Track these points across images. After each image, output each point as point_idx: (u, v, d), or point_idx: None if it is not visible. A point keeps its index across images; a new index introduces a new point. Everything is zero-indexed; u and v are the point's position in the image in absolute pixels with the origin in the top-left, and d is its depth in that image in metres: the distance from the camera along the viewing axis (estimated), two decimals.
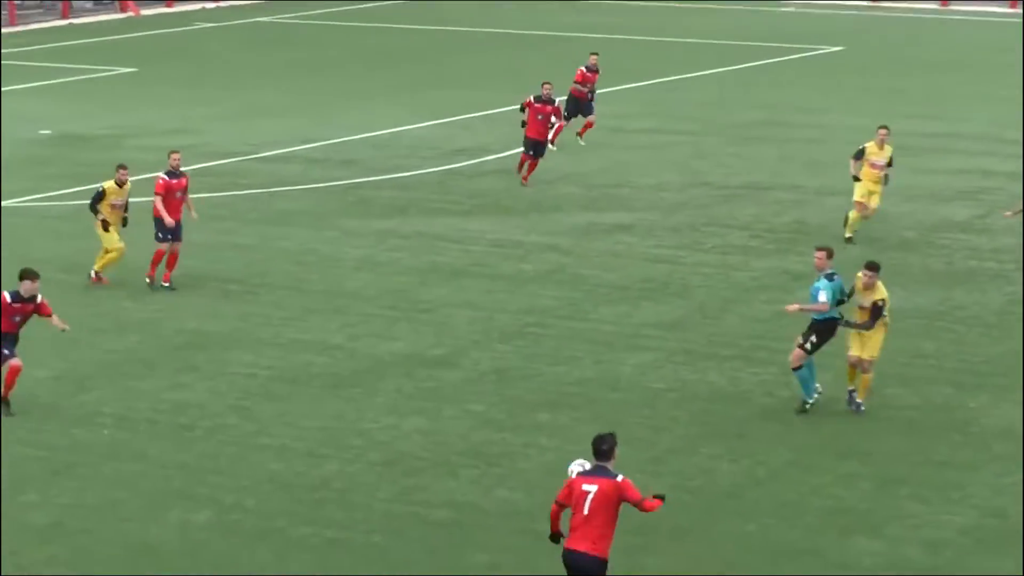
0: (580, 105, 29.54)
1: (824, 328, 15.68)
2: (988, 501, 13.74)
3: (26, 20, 43.49)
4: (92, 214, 19.72)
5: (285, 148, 28.64)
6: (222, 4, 48.30)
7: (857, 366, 15.01)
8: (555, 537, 10.46)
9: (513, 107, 27.35)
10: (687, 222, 23.94)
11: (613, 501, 10.19)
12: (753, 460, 14.65)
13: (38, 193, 25.02)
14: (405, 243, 22.55)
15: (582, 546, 10.25)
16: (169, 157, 19.92)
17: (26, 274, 14.98)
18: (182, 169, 20.06)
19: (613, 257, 22.11)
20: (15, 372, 15.25)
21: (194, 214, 19.91)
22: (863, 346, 14.91)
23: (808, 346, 15.40)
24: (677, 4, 50.95)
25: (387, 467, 14.60)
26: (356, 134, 30.36)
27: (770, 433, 15.51)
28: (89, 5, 45.82)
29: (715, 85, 36.27)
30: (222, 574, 12.35)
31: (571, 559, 10.31)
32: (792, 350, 15.06)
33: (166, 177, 19.60)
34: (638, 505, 10.24)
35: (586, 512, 10.21)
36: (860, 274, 15.30)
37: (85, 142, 28.93)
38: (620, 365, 17.72)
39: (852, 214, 22.75)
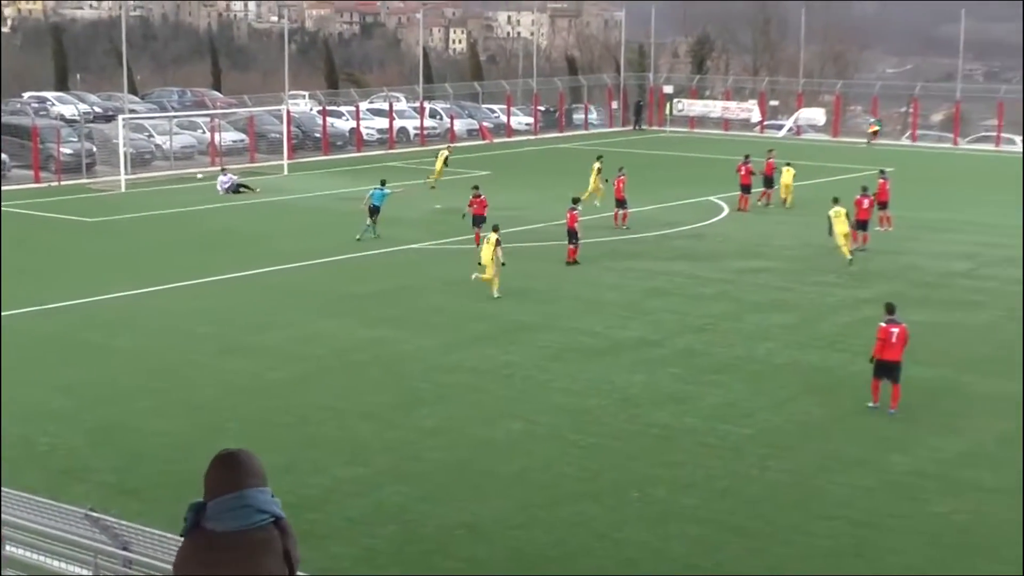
0: (767, 180, 43.49)
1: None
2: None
3: (431, 144, 64.68)
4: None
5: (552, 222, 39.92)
6: (539, 136, 72.15)
7: None
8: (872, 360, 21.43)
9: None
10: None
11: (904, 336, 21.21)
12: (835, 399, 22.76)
13: (431, 241, 37.92)
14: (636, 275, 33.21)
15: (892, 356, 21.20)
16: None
17: None
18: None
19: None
20: None
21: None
22: None
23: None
24: None
25: (623, 401, 22.26)
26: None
27: (842, 380, 22.85)
28: (466, 134, 67.81)
29: None
30: (528, 458, 19.54)
31: (886, 363, 21.20)
32: None
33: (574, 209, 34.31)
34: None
35: (893, 341, 21.14)
36: None
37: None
38: (755, 350, 25.94)
39: None
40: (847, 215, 35.04)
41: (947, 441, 20.32)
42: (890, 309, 22.13)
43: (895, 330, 21.55)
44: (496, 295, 30.17)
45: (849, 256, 34.56)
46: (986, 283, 32.56)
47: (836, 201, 35.56)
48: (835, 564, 15.70)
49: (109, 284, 31.57)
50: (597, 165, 44.72)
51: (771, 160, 45.15)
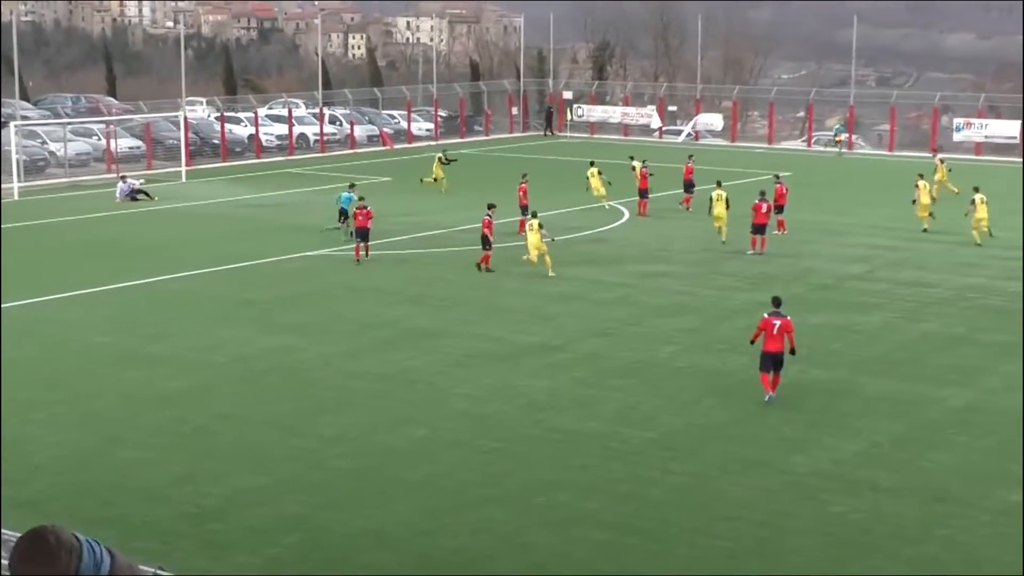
0: (687, 185, 43.98)
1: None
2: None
3: (331, 150, 65.06)
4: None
5: (470, 224, 40.64)
6: (440, 142, 69.24)
7: None
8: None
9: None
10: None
11: (786, 328, 21.79)
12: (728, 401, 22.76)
13: (331, 247, 37.53)
14: (538, 280, 33.18)
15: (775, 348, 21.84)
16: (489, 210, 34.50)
17: None
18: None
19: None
20: None
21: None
22: None
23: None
24: None
25: (526, 406, 22.35)
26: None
27: (742, 382, 23.00)
28: (366, 140, 67.75)
29: None
30: (432, 464, 19.71)
31: (770, 355, 21.85)
32: None
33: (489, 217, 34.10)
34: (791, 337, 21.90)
35: (775, 333, 21.75)
36: None
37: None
38: (657, 354, 26.25)
39: None
40: (727, 201, 37.41)
41: (844, 442, 20.60)
42: (776, 302, 22.78)
43: (777, 322, 22.16)
44: (551, 273, 32.93)
45: (723, 239, 37.31)
46: (881, 285, 33.12)
47: (719, 184, 38.11)
48: (736, 565, 15.86)
49: (2, 294, 30.89)
50: (595, 169, 44.76)
51: (690, 165, 45.62)
